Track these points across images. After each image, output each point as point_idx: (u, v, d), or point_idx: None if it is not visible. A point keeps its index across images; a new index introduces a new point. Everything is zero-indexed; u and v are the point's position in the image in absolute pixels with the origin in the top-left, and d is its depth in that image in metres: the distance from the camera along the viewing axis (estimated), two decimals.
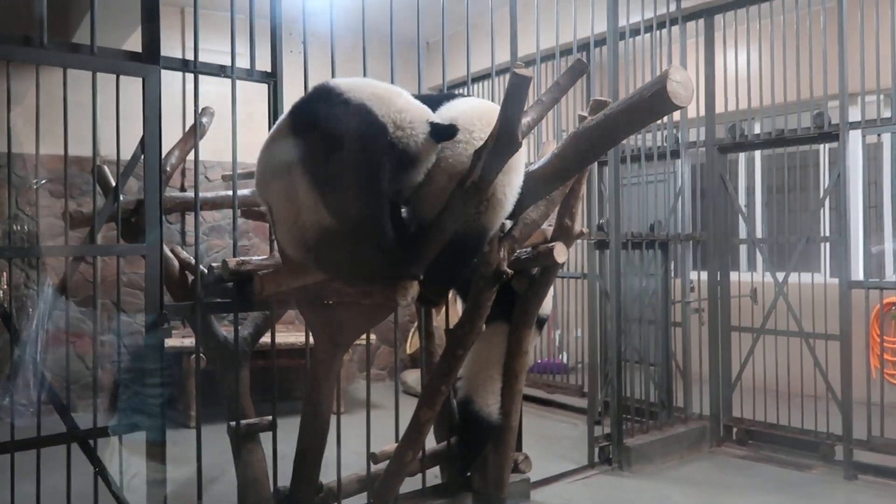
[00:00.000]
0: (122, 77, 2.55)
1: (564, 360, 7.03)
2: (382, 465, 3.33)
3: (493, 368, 3.47)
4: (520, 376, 3.52)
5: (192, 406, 5.19)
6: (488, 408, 3.43)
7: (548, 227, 3.35)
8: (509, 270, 2.85)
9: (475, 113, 2.75)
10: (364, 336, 3.25)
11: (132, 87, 2.62)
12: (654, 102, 2.20)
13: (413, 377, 6.18)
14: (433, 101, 2.81)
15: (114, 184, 3.00)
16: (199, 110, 3.02)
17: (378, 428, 3.40)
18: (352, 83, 2.61)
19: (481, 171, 2.39)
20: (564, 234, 3.26)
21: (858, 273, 4.75)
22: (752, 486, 4.10)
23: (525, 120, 2.42)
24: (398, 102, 2.54)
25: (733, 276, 5.05)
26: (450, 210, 2.44)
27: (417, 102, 2.63)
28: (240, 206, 3.66)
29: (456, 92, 3.33)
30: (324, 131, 2.47)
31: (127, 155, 2.63)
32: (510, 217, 2.94)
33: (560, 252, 3.15)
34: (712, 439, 4.87)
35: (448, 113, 2.71)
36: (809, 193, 5.37)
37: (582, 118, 2.97)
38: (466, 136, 2.64)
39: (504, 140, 2.32)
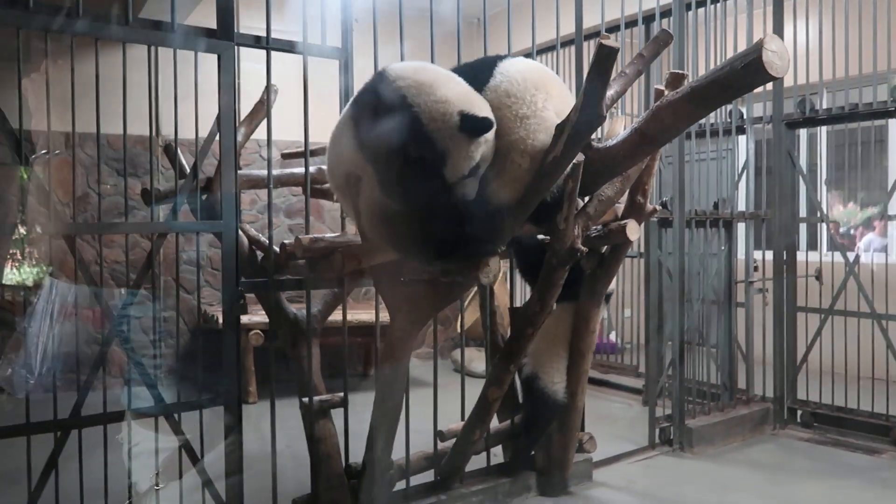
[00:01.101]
0: (177, 56, 2.54)
1: (613, 340, 6.96)
2: (448, 444, 3.33)
3: (560, 346, 3.43)
4: (586, 356, 3.48)
5: (251, 382, 5.26)
6: (554, 385, 3.40)
7: (617, 204, 3.29)
8: (584, 248, 2.80)
9: (530, 81, 2.65)
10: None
11: (189, 66, 2.61)
12: (748, 73, 2.12)
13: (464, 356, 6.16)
14: (479, 69, 2.74)
15: (184, 162, 3.03)
16: (268, 87, 3.01)
17: (431, 406, 3.39)
18: (405, 69, 2.56)
19: (563, 147, 2.33)
20: (636, 211, 3.20)
21: None
22: (820, 470, 4.01)
23: (608, 93, 2.34)
24: (439, 92, 2.43)
25: (799, 255, 4.91)
26: (535, 187, 2.39)
27: (462, 89, 2.50)
28: (300, 183, 3.66)
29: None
30: (371, 121, 2.48)
31: (186, 133, 2.64)
32: (584, 194, 2.89)
33: (633, 230, 3.09)
34: (776, 422, 4.77)
35: (501, 86, 2.64)
36: (874, 170, 5.19)
37: (659, 92, 2.90)
38: (532, 110, 2.58)
39: (588, 114, 2.25)
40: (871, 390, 4.43)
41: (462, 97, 2.46)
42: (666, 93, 2.78)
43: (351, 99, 2.68)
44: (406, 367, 2.92)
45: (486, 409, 3.19)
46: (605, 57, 2.16)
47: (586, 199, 2.92)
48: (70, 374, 2.52)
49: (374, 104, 2.51)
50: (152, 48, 2.50)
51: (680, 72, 2.94)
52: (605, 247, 3.34)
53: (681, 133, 2.81)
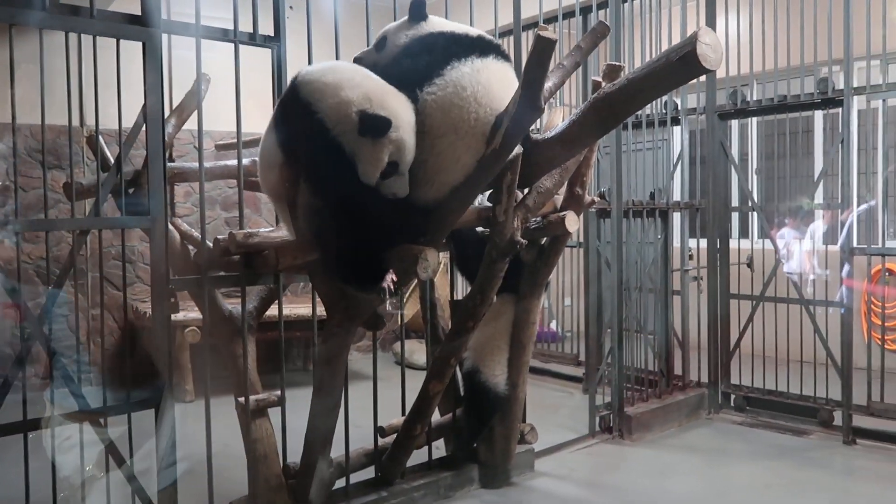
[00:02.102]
0: (102, 42, 2.41)
1: (554, 329, 7.03)
2: (389, 439, 3.30)
3: (500, 338, 3.43)
4: (527, 347, 3.49)
5: (188, 380, 5.12)
6: (495, 378, 3.40)
7: (556, 196, 3.29)
8: (524, 241, 2.79)
9: (477, 95, 2.48)
10: None
11: (112, 53, 2.48)
12: (683, 66, 2.13)
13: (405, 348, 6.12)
14: (428, 64, 2.55)
15: (108, 154, 2.90)
16: (199, 76, 2.90)
17: (371, 400, 3.35)
18: (313, 72, 2.48)
19: (502, 139, 2.31)
20: (575, 202, 3.21)
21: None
22: (752, 452, 4.13)
23: (547, 84, 2.33)
24: (342, 93, 2.35)
25: (732, 243, 5.04)
26: (473, 181, 2.37)
27: (369, 87, 2.39)
28: (234, 175, 3.55)
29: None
30: (288, 129, 2.46)
31: (111, 124, 2.52)
32: (523, 185, 2.88)
33: (571, 221, 3.10)
34: (710, 406, 4.89)
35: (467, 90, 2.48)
36: (801, 160, 5.35)
37: (596, 84, 2.91)
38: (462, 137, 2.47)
39: (527, 106, 2.24)
40: (799, 373, 4.58)
41: (365, 96, 2.36)
42: (603, 85, 2.80)
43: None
44: (344, 364, 2.87)
45: (427, 403, 3.17)
46: (543, 49, 2.15)
47: (525, 190, 2.91)
48: None
49: (287, 112, 2.47)
50: (73, 35, 2.37)
51: (617, 63, 2.96)
52: (545, 238, 3.35)
53: (618, 124, 2.82)
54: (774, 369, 4.70)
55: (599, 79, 2.94)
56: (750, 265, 4.96)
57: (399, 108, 2.39)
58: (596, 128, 2.46)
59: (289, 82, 2.54)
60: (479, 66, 2.52)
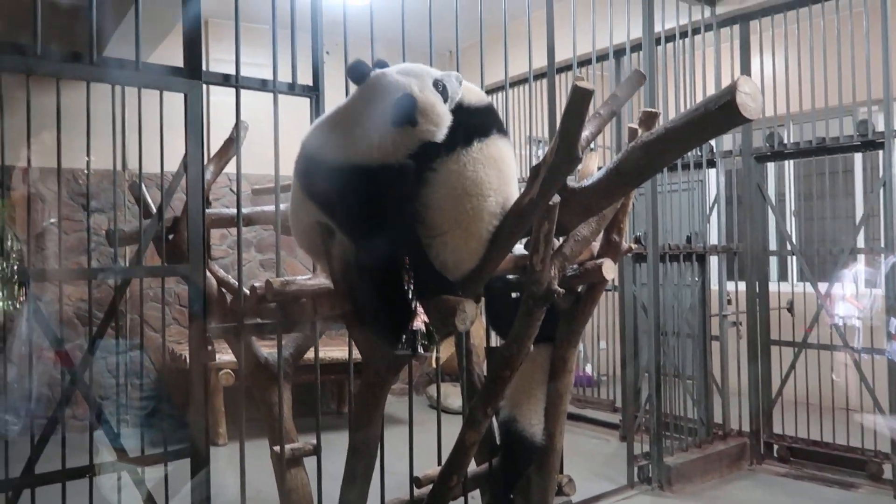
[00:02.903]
0: (145, 91, 2.46)
1: (590, 373, 6.93)
2: (425, 489, 3.24)
3: (537, 387, 3.37)
4: (564, 396, 3.41)
5: (221, 423, 5.12)
6: (532, 428, 3.33)
7: (593, 243, 3.25)
8: (561, 290, 2.75)
9: (468, 190, 2.46)
10: None
11: (153, 100, 2.52)
12: (722, 115, 2.09)
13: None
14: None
15: (150, 202, 2.94)
16: (238, 125, 2.94)
17: (404, 445, 3.30)
18: (313, 141, 2.41)
19: (539, 188, 2.29)
20: (612, 249, 3.17)
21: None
22: None
23: (583, 133, 2.32)
24: (361, 136, 2.25)
25: (772, 287, 4.93)
26: (510, 229, 2.35)
27: (361, 102, 2.30)
28: (270, 221, 3.58)
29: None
30: (318, 197, 2.40)
31: (155, 167, 2.56)
32: (560, 234, 2.85)
33: (609, 269, 3.06)
34: (753, 457, 4.74)
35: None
36: (840, 200, 5.24)
37: (632, 131, 2.89)
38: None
39: (564, 156, 2.22)
40: (845, 423, 4.43)
41: (372, 112, 2.25)
42: (639, 132, 2.77)
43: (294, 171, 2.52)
44: (381, 415, 2.83)
45: (463, 453, 3.10)
46: (580, 99, 2.13)
47: (562, 239, 2.88)
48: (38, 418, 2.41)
49: (316, 179, 2.38)
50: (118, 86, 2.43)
51: (653, 110, 2.94)
52: (581, 286, 3.30)
53: (656, 173, 2.79)
54: (819, 418, 4.55)
55: (636, 126, 2.92)
56: (790, 310, 4.86)
57: (394, 78, 2.30)
58: (633, 176, 2.43)
59: (304, 161, 2.44)
60: (465, 159, 2.45)
